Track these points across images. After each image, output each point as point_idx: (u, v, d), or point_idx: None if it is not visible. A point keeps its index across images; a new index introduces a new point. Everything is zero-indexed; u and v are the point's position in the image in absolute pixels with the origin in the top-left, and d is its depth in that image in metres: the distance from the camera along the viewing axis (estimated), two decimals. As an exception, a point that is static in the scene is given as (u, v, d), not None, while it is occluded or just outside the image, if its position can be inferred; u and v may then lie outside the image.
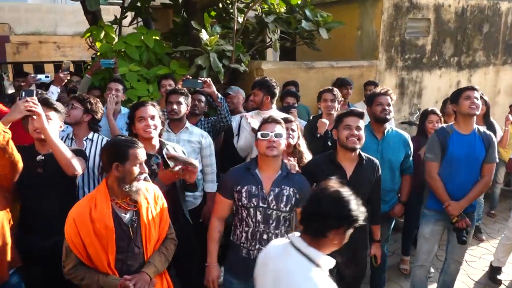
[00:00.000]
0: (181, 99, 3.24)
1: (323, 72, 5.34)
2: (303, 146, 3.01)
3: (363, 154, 2.80)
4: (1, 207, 2.26)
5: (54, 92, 3.86)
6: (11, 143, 2.09)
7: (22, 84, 4.82)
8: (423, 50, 6.06)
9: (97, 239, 2.04)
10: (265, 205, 2.39)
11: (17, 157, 2.15)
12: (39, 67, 6.41)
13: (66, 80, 4.20)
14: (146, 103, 2.75)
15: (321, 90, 3.98)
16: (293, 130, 2.95)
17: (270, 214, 2.40)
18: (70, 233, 2.06)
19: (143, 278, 2.12)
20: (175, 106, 3.21)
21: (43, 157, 2.50)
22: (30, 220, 2.52)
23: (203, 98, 3.79)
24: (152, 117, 2.67)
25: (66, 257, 2.09)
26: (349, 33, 6.05)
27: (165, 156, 2.64)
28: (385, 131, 3.32)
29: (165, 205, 2.32)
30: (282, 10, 5.20)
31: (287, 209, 2.41)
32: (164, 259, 2.26)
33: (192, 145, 3.26)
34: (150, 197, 2.23)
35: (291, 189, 2.42)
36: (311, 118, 4.07)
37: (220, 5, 5.42)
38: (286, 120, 3.01)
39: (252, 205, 2.40)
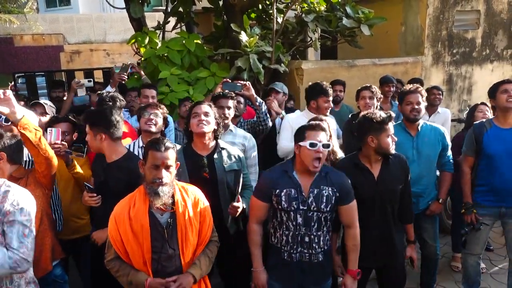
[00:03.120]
0: (230, 103, 3.28)
1: (365, 70, 5.22)
2: (336, 145, 2.96)
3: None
4: (41, 203, 2.36)
5: None
6: (43, 140, 2.20)
7: (59, 95, 5.04)
8: (472, 44, 5.76)
9: (134, 237, 2.11)
10: (305, 208, 2.35)
11: (51, 153, 2.24)
12: (89, 74, 6.70)
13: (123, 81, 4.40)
14: (203, 102, 2.82)
15: (359, 88, 3.89)
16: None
17: (311, 216, 2.36)
18: (110, 229, 2.16)
19: (187, 279, 2.15)
20: (226, 111, 3.23)
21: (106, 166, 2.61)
22: (96, 221, 2.69)
23: (242, 100, 3.82)
24: (206, 114, 2.68)
25: (107, 250, 2.20)
26: (392, 29, 5.87)
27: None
28: (419, 127, 3.21)
29: (208, 209, 2.31)
30: (322, 8, 5.13)
31: (328, 209, 2.37)
32: (209, 262, 2.27)
33: (236, 147, 3.28)
34: (189, 201, 2.22)
35: (330, 189, 2.38)
36: (349, 116, 3.99)
37: (260, 6, 5.44)
38: (315, 119, 2.95)
39: (293, 208, 2.35)
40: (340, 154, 2.95)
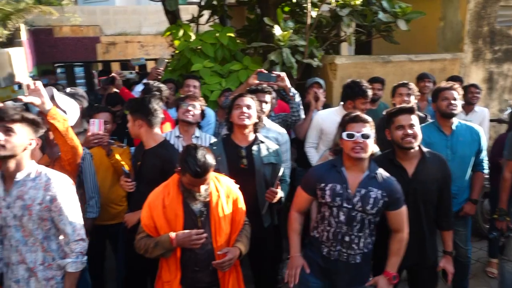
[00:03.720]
0: (268, 97, 3.30)
1: (401, 66, 5.09)
2: (376, 149, 2.90)
3: (426, 149, 2.59)
4: None
5: None
6: (70, 130, 2.28)
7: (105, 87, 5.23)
8: (516, 41, 5.51)
9: (167, 224, 2.19)
10: (350, 206, 2.28)
11: (77, 142, 2.32)
12: (124, 65, 6.89)
13: (160, 76, 4.50)
14: (245, 94, 2.85)
15: (395, 84, 3.79)
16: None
17: (355, 216, 2.29)
18: (143, 215, 2.24)
19: (235, 251, 2.23)
20: (263, 105, 3.25)
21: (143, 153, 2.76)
22: (131, 206, 2.83)
23: (274, 94, 3.81)
24: (248, 107, 2.71)
25: (137, 234, 2.27)
26: (430, 24, 5.69)
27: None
28: (453, 126, 3.11)
29: (240, 198, 2.36)
30: (358, 2, 5.02)
31: (374, 211, 2.28)
32: (247, 241, 2.35)
33: (270, 141, 3.29)
34: (222, 191, 2.28)
35: (379, 191, 2.28)
36: (383, 113, 3.90)
37: (293, 0, 5.39)
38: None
39: (336, 204, 2.30)
40: (376, 150, 2.90)
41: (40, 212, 2.04)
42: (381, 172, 2.37)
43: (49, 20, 17.41)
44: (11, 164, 2.04)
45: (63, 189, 2.09)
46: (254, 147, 2.78)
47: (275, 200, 2.68)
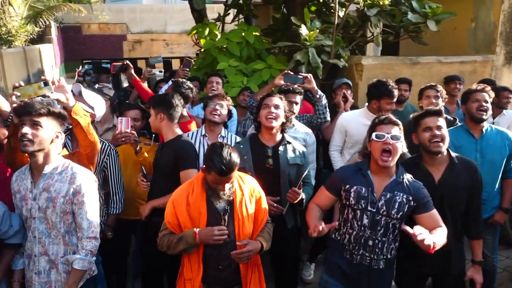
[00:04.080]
0: (298, 98, 3.29)
1: (429, 68, 4.97)
2: (404, 147, 2.84)
3: (454, 154, 2.51)
4: None
5: None
6: (91, 126, 2.33)
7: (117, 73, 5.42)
8: (552, 43, 5.30)
9: (190, 221, 2.19)
10: (374, 210, 2.24)
11: (96, 138, 2.37)
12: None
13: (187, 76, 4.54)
14: (274, 94, 2.86)
15: (422, 87, 3.71)
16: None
17: (379, 220, 2.24)
18: (167, 213, 2.25)
19: (256, 244, 2.22)
20: (294, 106, 3.25)
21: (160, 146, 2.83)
22: (148, 199, 2.86)
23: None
24: (276, 107, 2.72)
25: (161, 231, 2.28)
26: (461, 25, 5.54)
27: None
28: (484, 129, 3.01)
29: (263, 197, 2.36)
30: (386, 2, 4.94)
31: (399, 216, 2.23)
32: (270, 238, 2.34)
33: (297, 142, 3.27)
34: (246, 190, 2.29)
35: (405, 196, 2.23)
36: (411, 116, 3.82)
37: (320, -1, 5.35)
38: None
39: (360, 207, 2.26)
40: (407, 154, 2.84)
41: (64, 205, 2.08)
42: (409, 177, 2.32)
43: (78, 18, 17.85)
44: (39, 157, 2.08)
45: (86, 184, 2.12)
46: (281, 148, 2.77)
47: (296, 201, 2.66)
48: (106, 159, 2.86)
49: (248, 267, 2.28)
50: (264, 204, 2.36)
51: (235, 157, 2.15)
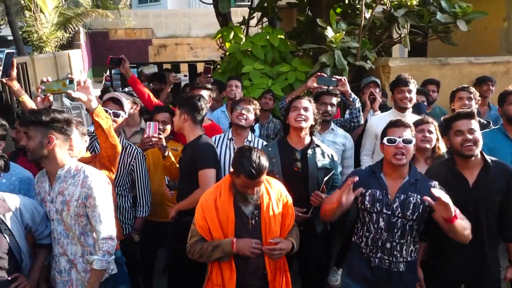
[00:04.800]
0: (334, 100, 3.27)
1: (459, 69, 4.84)
2: (444, 149, 2.77)
3: (489, 158, 2.43)
4: None
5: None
6: (112, 128, 2.36)
7: (155, 87, 5.40)
8: None
9: (219, 225, 2.19)
10: (389, 212, 2.24)
11: (117, 140, 2.40)
12: (176, 67, 7.05)
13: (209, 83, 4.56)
14: (303, 96, 2.84)
15: (454, 89, 3.61)
16: (430, 132, 2.74)
17: (395, 222, 2.24)
18: (197, 217, 2.25)
19: (287, 244, 2.24)
20: (329, 108, 3.23)
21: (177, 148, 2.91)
22: (177, 200, 2.91)
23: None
24: (305, 109, 2.69)
25: (190, 238, 2.28)
26: (492, 24, 5.38)
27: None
28: None
29: (290, 201, 2.34)
30: (414, 2, 4.84)
31: (415, 217, 2.23)
32: (297, 239, 2.34)
33: (336, 146, 3.24)
34: (273, 194, 2.27)
35: (419, 197, 2.22)
36: (441, 119, 3.72)
37: (346, 1, 5.29)
38: (422, 122, 2.81)
39: (375, 210, 2.27)
40: (444, 150, 2.77)
41: (77, 208, 2.11)
42: (422, 177, 2.32)
43: (105, 24, 18.29)
44: (45, 163, 2.15)
45: (99, 187, 2.13)
46: (309, 151, 2.74)
47: (319, 204, 2.62)
48: (133, 162, 2.89)
49: (275, 273, 2.26)
50: (291, 209, 2.34)
51: (264, 161, 2.14)
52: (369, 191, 2.29)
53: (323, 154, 2.77)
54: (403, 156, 2.21)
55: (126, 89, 3.71)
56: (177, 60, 12.93)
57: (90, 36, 18.94)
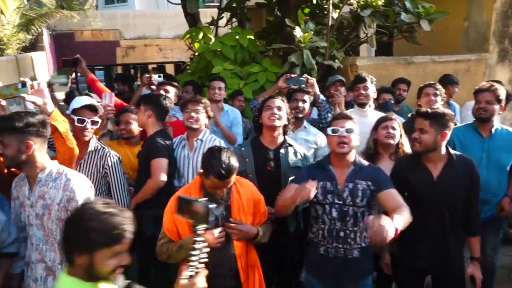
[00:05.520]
0: (306, 97, 3.29)
1: (423, 68, 4.99)
2: (407, 146, 2.83)
3: (454, 152, 2.53)
4: None
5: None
6: (70, 132, 2.32)
7: (119, 88, 5.31)
8: (544, 41, 5.33)
9: (188, 228, 2.13)
10: (341, 202, 2.33)
11: (74, 143, 2.35)
12: (144, 68, 6.95)
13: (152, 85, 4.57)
14: (276, 96, 2.86)
15: (421, 85, 3.72)
16: (393, 129, 2.81)
17: (347, 211, 2.33)
18: (165, 220, 2.22)
19: (250, 228, 2.22)
20: (300, 104, 3.24)
21: None
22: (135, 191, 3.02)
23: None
24: (279, 108, 2.71)
25: (159, 240, 2.25)
26: (454, 24, 5.58)
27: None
28: (493, 129, 3.01)
29: (262, 201, 2.34)
30: (380, 3, 4.96)
31: (364, 203, 2.33)
32: (267, 232, 2.33)
33: (309, 144, 3.24)
34: (244, 194, 2.26)
35: (365, 183, 2.34)
36: (409, 115, 3.82)
37: (314, 1, 5.35)
38: (386, 118, 2.88)
39: (328, 201, 2.35)
40: (408, 148, 2.84)
41: (58, 212, 2.05)
42: (366, 164, 2.44)
43: (70, 25, 17.76)
44: (26, 168, 2.09)
45: (81, 190, 2.09)
46: (282, 150, 2.76)
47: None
48: (107, 165, 2.80)
49: (247, 271, 2.25)
50: (263, 208, 2.34)
51: (234, 161, 2.13)
52: (320, 183, 2.36)
53: (295, 153, 2.79)
54: (346, 145, 2.31)
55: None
56: (147, 61, 12.72)
57: (55, 38, 18.34)
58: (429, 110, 2.50)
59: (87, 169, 2.73)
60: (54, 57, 18.20)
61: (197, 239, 1.65)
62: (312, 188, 2.22)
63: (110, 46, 18.36)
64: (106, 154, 2.81)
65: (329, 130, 2.37)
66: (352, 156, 2.40)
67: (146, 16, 19.45)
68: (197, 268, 1.64)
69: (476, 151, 2.86)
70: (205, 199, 1.79)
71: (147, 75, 4.25)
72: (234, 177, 2.18)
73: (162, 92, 3.47)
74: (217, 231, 2.12)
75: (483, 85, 3.09)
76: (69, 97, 3.83)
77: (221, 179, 2.09)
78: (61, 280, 1.54)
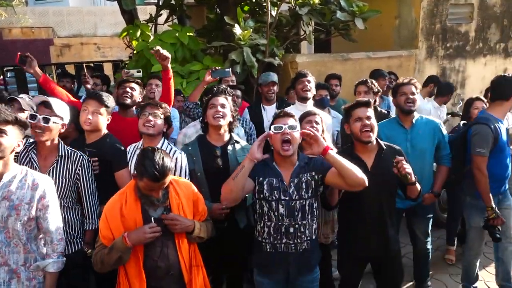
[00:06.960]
0: (238, 92, 3.33)
1: (359, 64, 5.20)
2: (328, 140, 2.92)
3: (382, 142, 2.67)
4: None
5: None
6: None
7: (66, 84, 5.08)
8: (466, 37, 5.77)
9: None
10: (287, 198, 2.34)
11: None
12: (79, 68, 6.63)
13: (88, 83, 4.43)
14: (220, 93, 2.79)
15: (356, 82, 3.87)
16: (316, 123, 2.87)
17: (294, 206, 2.35)
18: (101, 227, 2.13)
19: (188, 221, 2.17)
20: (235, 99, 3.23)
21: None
22: None
23: (239, 93, 3.78)
24: (222, 106, 2.70)
25: (95, 246, 2.18)
26: (386, 22, 5.86)
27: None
28: (414, 120, 3.20)
29: (201, 200, 2.32)
30: (317, 1, 5.09)
31: (310, 194, 2.36)
32: (206, 228, 2.28)
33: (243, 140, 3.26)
34: (182, 193, 2.22)
35: (309, 174, 2.37)
36: (342, 108, 3.95)
37: (253, -1, 5.39)
38: (309, 113, 2.93)
39: (274, 198, 2.34)
40: (330, 144, 2.93)
41: (28, 212, 2.04)
42: (308, 157, 2.43)
43: (-3, 22, 16.54)
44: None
45: (49, 188, 2.12)
46: (229, 147, 2.75)
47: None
48: (79, 170, 2.58)
49: (191, 271, 2.21)
50: (202, 206, 2.31)
51: (169, 162, 2.07)
52: (267, 179, 2.36)
53: (242, 149, 2.80)
54: (290, 147, 2.29)
55: (25, 96, 3.34)
56: (84, 60, 12.13)
57: (-20, 36, 16.98)
58: (368, 100, 2.65)
59: (57, 175, 2.52)
60: (-20, 57, 16.80)
61: None
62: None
63: (42, 45, 17.29)
64: (78, 158, 2.59)
65: (272, 128, 2.34)
66: (296, 153, 2.41)
67: (81, 13, 18.52)
68: None
69: (401, 142, 2.98)
70: None
71: (126, 70, 3.92)
72: (169, 178, 2.12)
73: (127, 89, 3.29)
74: (147, 226, 2.05)
75: (404, 78, 3.28)
76: (-3, 99, 3.51)
77: (155, 181, 2.02)
78: None
